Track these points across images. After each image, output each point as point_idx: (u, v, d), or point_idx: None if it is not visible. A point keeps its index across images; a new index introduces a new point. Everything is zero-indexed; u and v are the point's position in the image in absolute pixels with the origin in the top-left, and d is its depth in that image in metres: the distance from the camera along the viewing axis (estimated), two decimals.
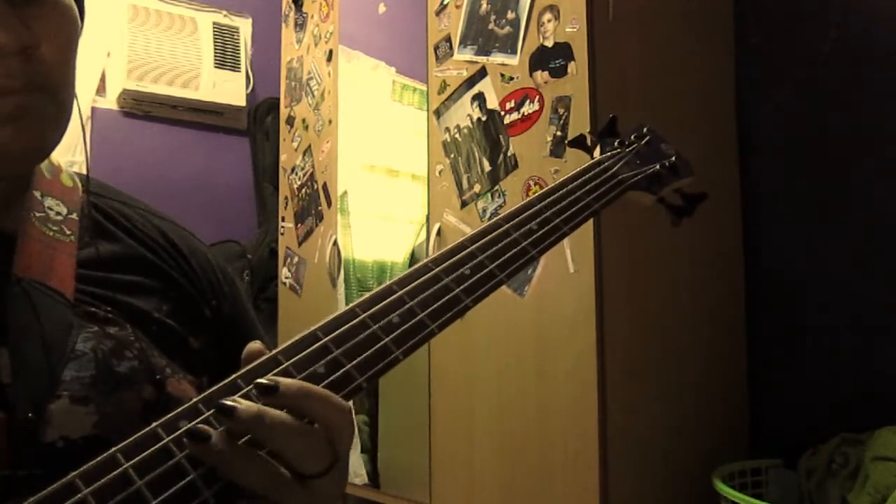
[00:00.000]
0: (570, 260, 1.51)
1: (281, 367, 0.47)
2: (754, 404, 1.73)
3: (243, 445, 0.43)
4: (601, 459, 1.42)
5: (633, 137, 0.79)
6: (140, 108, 2.73)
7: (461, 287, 0.55)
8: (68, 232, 0.60)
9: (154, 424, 0.42)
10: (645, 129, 0.80)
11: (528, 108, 1.63)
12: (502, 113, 1.69)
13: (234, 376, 0.46)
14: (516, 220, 0.61)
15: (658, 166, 0.75)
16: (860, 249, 1.59)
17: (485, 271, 0.56)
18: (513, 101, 1.67)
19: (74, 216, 0.62)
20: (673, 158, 0.77)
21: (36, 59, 0.53)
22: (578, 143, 0.80)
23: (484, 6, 1.76)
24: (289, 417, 0.44)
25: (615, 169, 0.71)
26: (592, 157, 0.75)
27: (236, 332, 0.71)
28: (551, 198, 0.65)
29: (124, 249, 0.64)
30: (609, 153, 0.75)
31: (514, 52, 1.68)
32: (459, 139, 1.81)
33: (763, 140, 1.78)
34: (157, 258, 0.66)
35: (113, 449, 0.41)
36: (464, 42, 1.81)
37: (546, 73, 1.60)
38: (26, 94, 0.53)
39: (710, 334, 1.68)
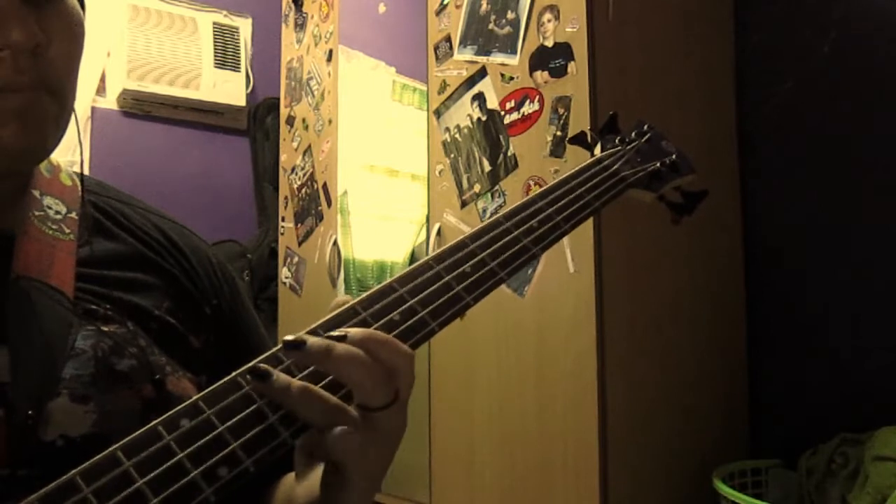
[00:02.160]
0: (570, 260, 1.51)
1: (284, 366, 0.47)
2: (754, 404, 1.73)
3: (304, 381, 0.45)
4: (601, 459, 1.42)
5: (633, 135, 0.78)
6: (140, 108, 2.73)
7: (462, 285, 0.54)
8: (67, 230, 0.60)
9: (154, 422, 0.42)
10: (645, 127, 0.79)
11: (528, 108, 1.63)
12: (502, 113, 1.69)
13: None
14: (517, 217, 0.61)
15: (659, 164, 0.74)
16: (861, 249, 1.59)
17: (486, 269, 0.56)
18: (513, 101, 1.67)
19: (74, 215, 0.62)
20: (674, 156, 0.76)
21: (45, 59, 0.54)
22: (579, 140, 0.79)
23: (484, 6, 1.76)
24: (353, 349, 0.46)
25: (616, 167, 0.71)
26: (593, 155, 0.75)
27: (236, 331, 0.71)
28: (552, 195, 0.64)
29: (124, 247, 0.64)
30: (610, 151, 0.74)
31: (514, 52, 1.68)
32: (459, 139, 1.81)
33: (763, 140, 1.77)
34: (157, 256, 0.66)
35: (113, 447, 0.41)
36: (464, 42, 1.81)
37: (546, 73, 1.60)
38: (32, 91, 0.53)
39: (710, 334, 1.68)
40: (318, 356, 0.46)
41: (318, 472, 0.52)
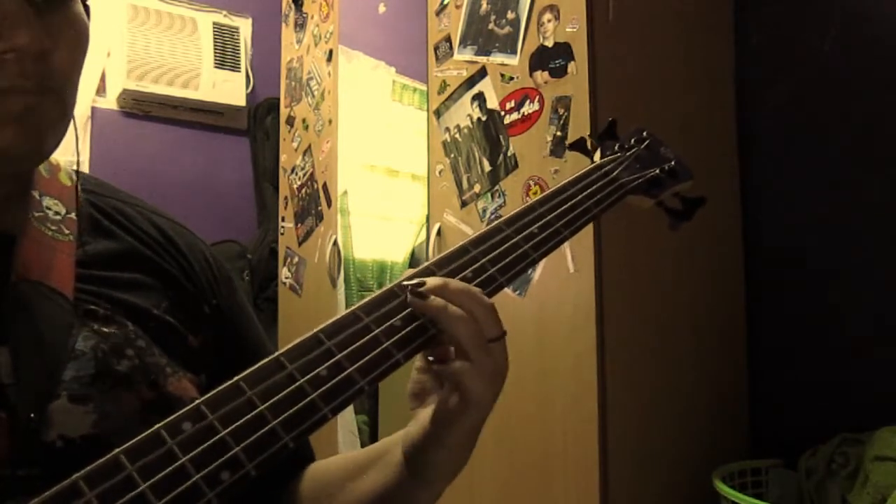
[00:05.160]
0: (570, 260, 1.51)
1: (287, 371, 0.47)
2: (754, 404, 1.73)
3: (453, 305, 0.51)
4: (601, 459, 1.42)
5: (632, 141, 0.78)
6: (140, 108, 2.73)
7: None
8: (67, 231, 0.60)
9: (157, 426, 0.42)
10: (644, 133, 0.80)
11: (528, 108, 1.63)
12: (502, 113, 1.69)
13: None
14: (517, 224, 0.61)
15: (658, 170, 0.75)
16: (861, 250, 1.59)
17: (486, 275, 0.57)
18: (513, 101, 1.67)
19: (73, 215, 0.62)
20: (672, 163, 0.77)
21: (49, 64, 0.54)
22: (578, 146, 0.79)
23: (484, 6, 1.76)
24: (466, 284, 0.54)
25: (615, 173, 0.71)
26: (592, 161, 0.75)
27: (235, 330, 0.71)
28: (552, 202, 0.64)
29: (123, 247, 0.64)
30: (609, 157, 0.74)
31: (514, 52, 1.68)
32: (459, 139, 1.81)
33: (763, 140, 1.77)
34: (156, 256, 0.66)
35: (116, 450, 0.41)
36: (464, 42, 1.81)
37: (546, 73, 1.60)
38: (35, 95, 0.54)
39: (710, 334, 1.68)
40: (438, 289, 0.52)
41: (427, 410, 0.56)
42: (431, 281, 0.52)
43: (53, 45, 0.54)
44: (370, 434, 2.24)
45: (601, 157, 0.75)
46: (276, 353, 0.48)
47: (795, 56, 1.71)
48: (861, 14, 1.61)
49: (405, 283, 0.53)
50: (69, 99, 0.58)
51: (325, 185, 2.35)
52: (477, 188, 1.75)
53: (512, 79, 1.68)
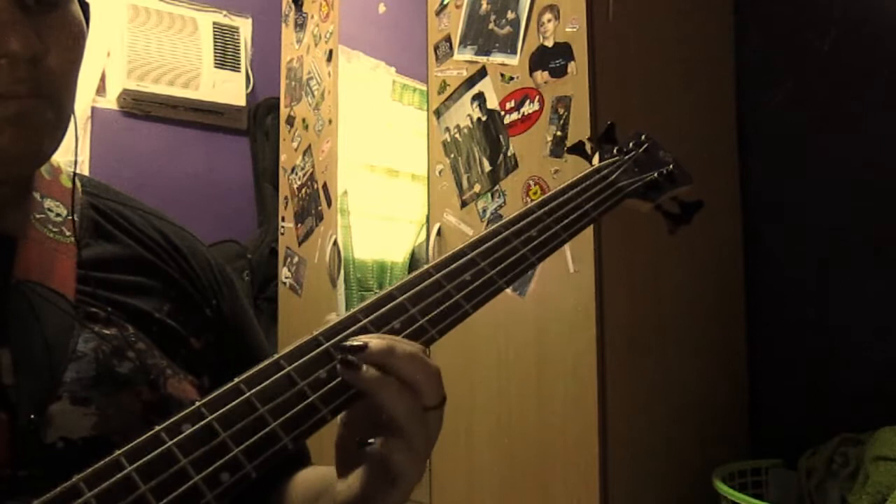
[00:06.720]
0: (570, 260, 1.51)
1: (286, 373, 0.47)
2: (754, 404, 1.74)
3: (390, 376, 0.47)
4: (601, 459, 1.42)
5: (631, 145, 0.79)
6: (140, 108, 2.73)
7: (462, 293, 0.55)
8: (68, 233, 0.60)
9: (157, 428, 0.42)
10: (643, 137, 0.80)
11: (528, 108, 1.63)
12: (502, 113, 1.70)
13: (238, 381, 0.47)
14: (516, 227, 0.62)
15: (656, 174, 0.75)
16: (861, 250, 1.59)
17: (485, 278, 0.57)
18: (513, 101, 1.67)
19: (74, 217, 0.62)
20: (671, 166, 0.77)
21: (43, 67, 0.54)
22: (577, 149, 0.80)
23: (484, 6, 1.76)
24: (416, 347, 0.49)
25: (614, 177, 0.71)
26: (591, 164, 0.75)
27: (236, 332, 0.71)
28: (551, 205, 0.65)
29: (124, 250, 0.64)
30: (608, 161, 0.75)
31: (514, 52, 1.68)
32: (459, 139, 1.81)
33: (763, 140, 1.78)
34: (157, 258, 0.66)
35: (116, 452, 0.41)
36: (464, 42, 1.81)
37: (546, 73, 1.60)
38: (29, 99, 0.53)
39: (710, 334, 1.68)
40: (382, 355, 0.47)
41: (355, 476, 0.52)
42: (375, 344, 0.47)
43: (47, 48, 0.54)
44: None
45: (600, 161, 0.75)
46: (276, 356, 0.48)
47: (795, 56, 1.71)
48: (861, 14, 1.61)
49: (345, 344, 0.48)
50: (66, 101, 0.57)
51: (325, 185, 2.35)
52: (477, 188, 1.75)
53: (512, 79, 1.68)
